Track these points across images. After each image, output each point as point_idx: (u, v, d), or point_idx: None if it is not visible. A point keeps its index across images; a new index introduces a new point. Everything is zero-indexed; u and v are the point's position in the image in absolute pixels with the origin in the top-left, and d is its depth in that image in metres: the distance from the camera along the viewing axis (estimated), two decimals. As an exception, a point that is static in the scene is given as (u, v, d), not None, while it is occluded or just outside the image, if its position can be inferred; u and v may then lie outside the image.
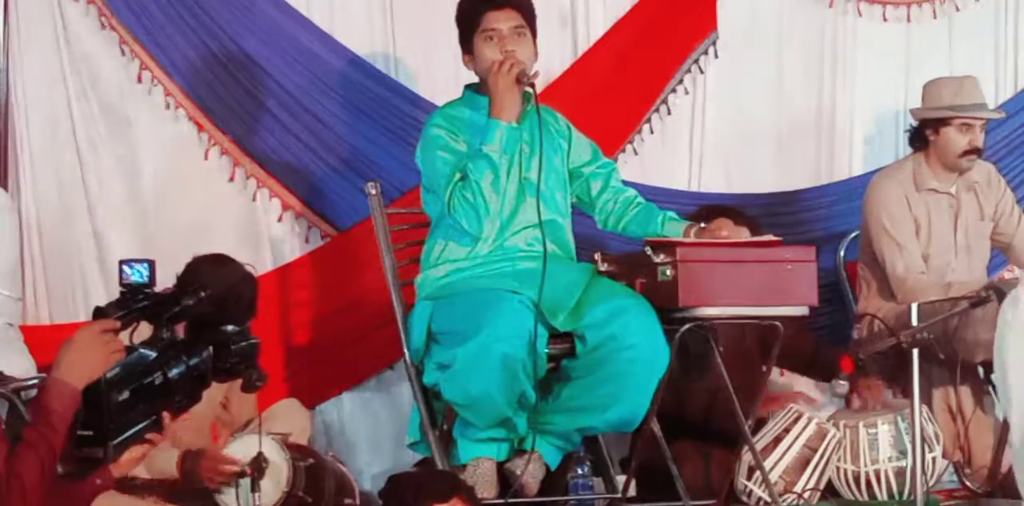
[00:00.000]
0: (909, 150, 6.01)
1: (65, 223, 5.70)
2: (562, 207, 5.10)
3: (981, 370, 5.72)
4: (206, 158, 5.84)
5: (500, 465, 4.94)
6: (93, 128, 5.73)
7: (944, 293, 5.48)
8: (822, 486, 5.31)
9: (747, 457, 5.17)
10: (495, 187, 4.86)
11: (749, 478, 5.24)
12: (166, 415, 3.16)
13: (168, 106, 5.80)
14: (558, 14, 6.13)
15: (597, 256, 5.01)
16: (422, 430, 5.03)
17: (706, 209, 5.70)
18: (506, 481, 4.92)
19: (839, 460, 5.37)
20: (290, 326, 5.82)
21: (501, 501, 4.84)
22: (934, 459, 5.35)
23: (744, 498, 5.27)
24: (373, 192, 5.19)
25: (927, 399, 5.54)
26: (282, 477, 4.65)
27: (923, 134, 5.87)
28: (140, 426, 3.11)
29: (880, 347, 5.07)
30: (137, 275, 3.15)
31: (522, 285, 4.74)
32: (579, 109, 5.73)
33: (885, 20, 6.61)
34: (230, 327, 3.27)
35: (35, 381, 4.77)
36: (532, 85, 4.95)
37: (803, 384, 6.16)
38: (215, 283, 3.33)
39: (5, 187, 5.55)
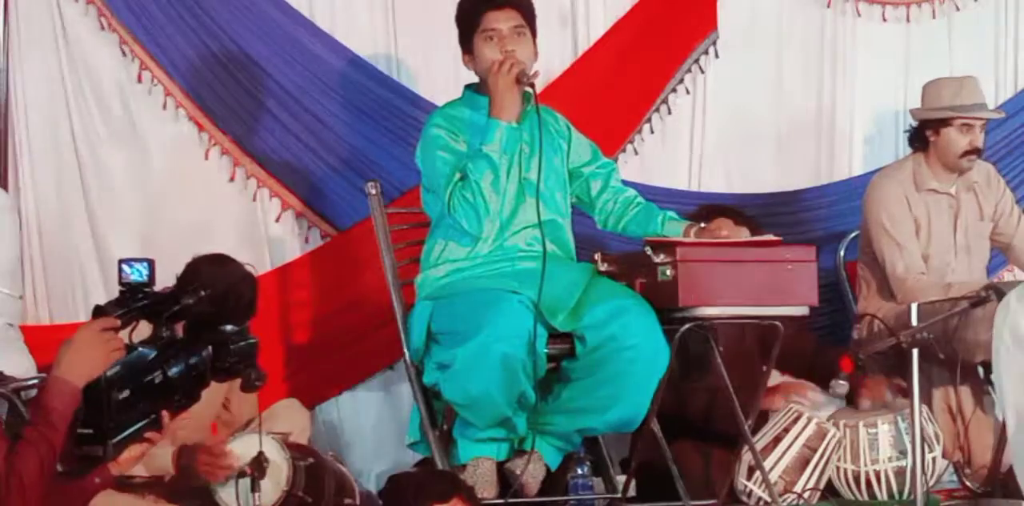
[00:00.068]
0: (909, 150, 6.01)
1: (65, 223, 5.71)
2: (562, 207, 5.10)
3: (981, 370, 5.72)
4: (206, 158, 5.84)
5: (500, 465, 4.93)
6: (93, 128, 5.74)
7: (944, 293, 5.48)
8: (822, 486, 5.31)
9: (747, 457, 5.17)
10: (495, 187, 4.86)
11: (749, 478, 5.24)
12: (165, 414, 3.17)
13: (168, 106, 5.80)
14: (558, 14, 6.13)
15: (597, 256, 5.01)
16: (422, 430, 5.03)
17: (706, 209, 5.70)
18: (506, 481, 4.92)
19: (839, 460, 5.37)
20: (290, 326, 5.82)
21: (501, 501, 4.84)
22: (934, 459, 5.34)
23: (744, 498, 5.27)
24: (373, 192, 5.20)
25: (927, 399, 5.54)
26: (282, 477, 4.65)
27: (923, 134, 5.87)
28: (140, 425, 3.11)
29: (880, 347, 5.07)
30: (137, 274, 3.16)
31: (522, 285, 4.74)
32: (579, 109, 5.74)
33: (884, 20, 6.61)
34: (229, 327, 3.27)
35: (35, 381, 4.76)
36: (532, 85, 4.95)
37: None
38: (215, 282, 3.34)
39: (5, 187, 5.55)
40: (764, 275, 4.80)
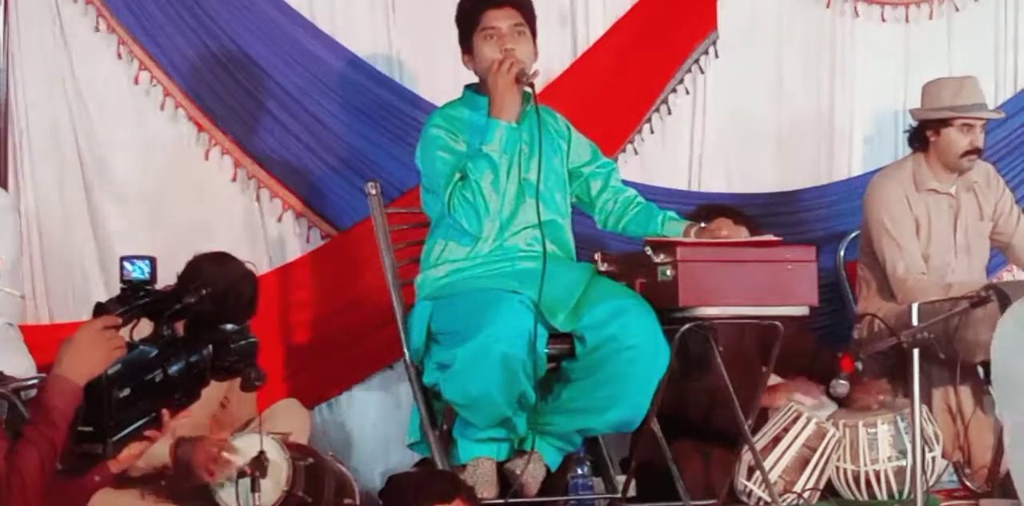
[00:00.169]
0: (908, 150, 6.02)
1: (65, 223, 5.71)
2: (562, 207, 5.10)
3: (981, 370, 5.72)
4: (206, 158, 5.84)
5: (500, 465, 4.93)
6: (93, 128, 5.73)
7: (944, 293, 5.48)
8: (822, 486, 5.31)
9: (747, 457, 5.17)
10: (495, 187, 4.86)
11: (749, 478, 5.24)
12: (165, 412, 3.16)
13: (168, 106, 5.79)
14: (558, 14, 6.13)
15: (597, 256, 5.01)
16: (422, 430, 5.03)
17: (705, 209, 5.70)
18: (506, 481, 4.92)
19: (839, 460, 5.38)
20: (290, 326, 5.82)
21: (501, 501, 4.84)
22: (934, 459, 5.35)
23: (744, 498, 5.27)
24: (373, 192, 5.20)
25: (927, 399, 5.54)
26: (282, 476, 4.65)
27: (923, 134, 5.87)
28: (140, 423, 3.11)
29: (880, 347, 5.07)
30: (138, 272, 3.16)
31: (522, 285, 4.74)
32: (579, 109, 5.74)
33: (884, 20, 6.61)
34: (230, 326, 3.27)
35: (35, 381, 4.75)
36: (532, 85, 4.95)
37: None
38: (216, 281, 3.34)
39: (5, 187, 5.55)
40: (764, 275, 4.80)
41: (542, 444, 4.92)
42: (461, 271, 4.95)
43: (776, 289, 4.81)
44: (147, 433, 3.15)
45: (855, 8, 6.55)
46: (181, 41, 5.77)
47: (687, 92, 6.34)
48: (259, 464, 4.53)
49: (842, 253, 6.26)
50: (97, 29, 5.72)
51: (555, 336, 4.76)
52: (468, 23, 5.06)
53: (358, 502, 5.06)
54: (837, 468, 5.38)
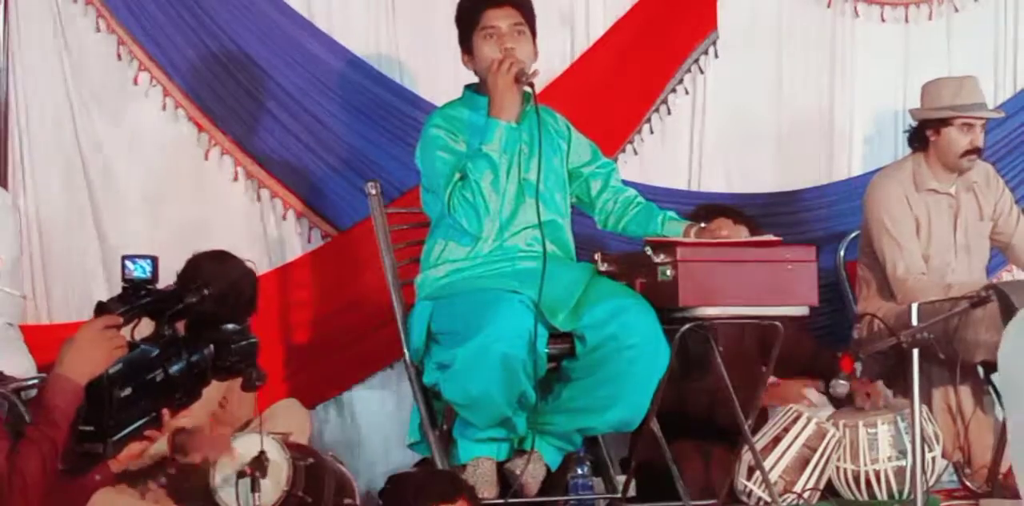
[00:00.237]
0: (908, 150, 6.02)
1: (65, 223, 5.70)
2: (562, 208, 5.10)
3: (981, 370, 5.73)
4: (206, 158, 5.84)
5: (500, 465, 4.93)
6: (92, 128, 5.73)
7: (944, 293, 5.49)
8: (822, 486, 5.31)
9: (747, 457, 5.17)
10: (495, 186, 4.86)
11: (749, 478, 5.24)
12: (166, 412, 3.16)
13: (167, 107, 5.79)
14: (558, 14, 6.13)
15: (597, 256, 5.00)
16: (422, 430, 5.02)
17: (705, 209, 5.70)
18: (506, 481, 4.92)
19: (839, 460, 5.37)
20: (290, 326, 5.82)
21: (501, 501, 4.84)
22: (934, 459, 5.35)
23: (744, 498, 5.27)
24: (373, 192, 5.19)
25: (927, 399, 5.54)
26: (282, 476, 4.65)
27: (923, 134, 5.88)
28: (140, 422, 3.11)
29: (880, 347, 5.08)
30: (140, 271, 3.16)
31: (522, 285, 4.73)
32: (579, 109, 5.74)
33: (883, 21, 6.61)
34: (230, 326, 3.27)
35: (35, 381, 4.75)
36: (531, 85, 4.94)
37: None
38: (217, 281, 3.34)
39: (5, 187, 5.55)
40: (764, 275, 4.80)
41: (542, 444, 4.92)
42: (461, 271, 4.95)
43: (776, 289, 4.80)
44: (147, 433, 3.15)
45: (855, 8, 6.56)
46: (181, 41, 5.77)
47: (687, 92, 6.34)
48: (259, 464, 4.53)
49: (842, 253, 6.26)
50: (97, 29, 5.72)
51: (555, 336, 4.76)
52: (468, 23, 5.06)
53: (358, 502, 5.07)
54: (837, 468, 5.38)
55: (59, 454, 2.98)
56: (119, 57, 5.75)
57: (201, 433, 4.62)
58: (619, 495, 5.14)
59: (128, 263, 3.15)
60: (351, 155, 5.90)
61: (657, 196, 5.72)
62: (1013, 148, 6.58)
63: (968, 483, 5.71)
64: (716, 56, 6.36)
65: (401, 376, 5.73)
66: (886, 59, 6.60)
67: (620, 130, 6.21)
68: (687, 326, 4.79)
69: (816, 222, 6.38)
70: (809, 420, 5.33)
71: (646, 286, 4.83)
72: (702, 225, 5.05)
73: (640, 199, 5.21)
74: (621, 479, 5.19)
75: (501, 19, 5.00)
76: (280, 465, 4.65)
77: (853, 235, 6.17)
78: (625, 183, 5.31)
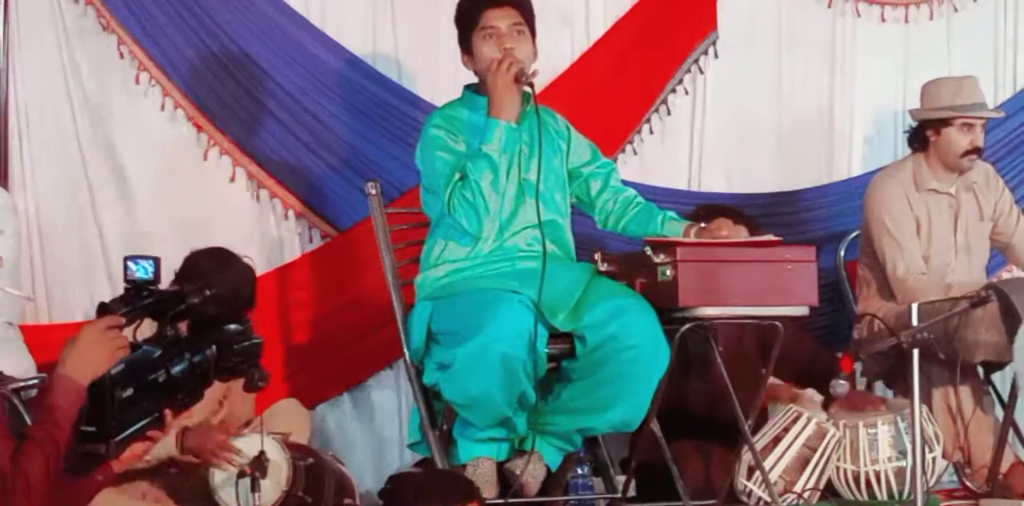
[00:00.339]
0: (908, 150, 6.02)
1: (65, 223, 5.70)
2: (562, 208, 5.10)
3: (981, 370, 5.73)
4: (205, 159, 5.84)
5: (500, 465, 4.93)
6: (93, 128, 5.73)
7: (944, 293, 5.48)
8: (822, 486, 5.30)
9: (747, 457, 5.17)
10: (495, 186, 4.86)
11: (749, 478, 5.24)
12: (168, 413, 3.16)
13: (167, 107, 5.79)
14: (558, 14, 6.13)
15: (597, 256, 5.01)
16: (422, 430, 5.03)
17: (705, 209, 5.70)
18: (506, 481, 4.92)
19: (839, 460, 5.37)
20: (290, 326, 5.82)
21: (501, 501, 4.84)
22: (934, 459, 5.34)
23: (744, 498, 5.27)
24: (373, 192, 5.20)
25: (927, 399, 5.54)
26: (282, 476, 4.65)
27: (923, 134, 5.88)
28: (142, 423, 3.10)
29: (880, 347, 5.08)
30: (142, 271, 3.15)
31: (522, 285, 4.74)
32: (579, 109, 5.75)
33: (884, 21, 6.62)
34: (233, 326, 3.27)
35: (35, 381, 4.75)
36: (531, 85, 4.94)
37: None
38: (220, 281, 3.34)
39: (5, 187, 5.54)
40: (764, 275, 4.80)
41: (542, 444, 4.92)
42: (461, 271, 4.95)
43: (776, 289, 4.81)
44: (150, 433, 3.14)
45: (856, 8, 6.56)
46: (181, 41, 5.77)
47: (687, 92, 6.35)
48: (259, 464, 4.53)
49: (842, 253, 6.26)
50: (97, 29, 5.72)
51: (555, 336, 4.76)
52: (467, 23, 5.06)
53: (358, 502, 5.07)
54: (837, 468, 5.38)
55: (62, 455, 2.98)
56: (120, 57, 5.74)
57: (210, 431, 4.62)
58: (619, 495, 5.15)
59: (130, 264, 3.15)
60: (351, 155, 5.90)
61: (657, 196, 5.72)
62: (1013, 148, 6.58)
63: (968, 483, 5.71)
64: (716, 56, 6.36)
65: (401, 376, 5.74)
66: (886, 59, 6.60)
67: (620, 130, 6.21)
68: (687, 326, 4.79)
69: (816, 222, 6.38)
70: (809, 420, 5.32)
71: (646, 286, 4.83)
72: (702, 225, 5.05)
73: (640, 199, 5.21)
74: (621, 479, 5.19)
75: (501, 19, 5.01)
76: (280, 465, 4.64)
77: (853, 235, 6.17)
78: (625, 183, 5.31)
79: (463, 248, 4.96)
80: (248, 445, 4.60)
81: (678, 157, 6.37)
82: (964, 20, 6.65)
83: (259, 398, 5.09)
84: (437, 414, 5.01)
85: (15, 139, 5.65)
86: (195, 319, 3.24)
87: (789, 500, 5.21)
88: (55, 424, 2.97)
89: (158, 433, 3.16)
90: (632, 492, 5.16)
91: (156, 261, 3.17)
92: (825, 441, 5.31)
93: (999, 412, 5.70)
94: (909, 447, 5.07)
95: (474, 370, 4.66)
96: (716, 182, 6.38)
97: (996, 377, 5.84)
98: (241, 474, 4.55)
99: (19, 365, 4.98)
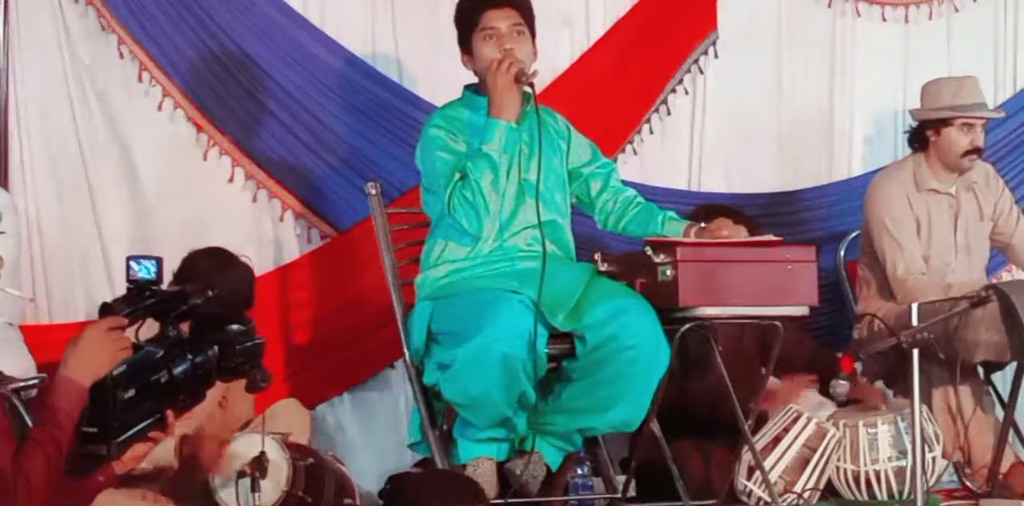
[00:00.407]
0: (908, 150, 6.02)
1: (65, 223, 5.70)
2: (562, 208, 5.10)
3: (981, 370, 5.73)
4: (205, 159, 5.84)
5: (500, 465, 4.93)
6: (93, 128, 5.73)
7: (944, 294, 5.49)
8: (822, 486, 5.31)
9: (747, 457, 5.17)
10: (495, 186, 4.86)
11: (749, 478, 5.24)
12: (170, 413, 3.15)
13: (167, 107, 5.79)
14: (558, 14, 6.13)
15: (597, 256, 5.01)
16: (422, 430, 5.03)
17: (705, 209, 5.70)
18: (506, 481, 4.92)
19: (839, 460, 5.37)
20: (290, 326, 5.82)
21: (501, 501, 4.84)
22: (934, 459, 5.35)
23: (744, 498, 5.27)
24: (373, 192, 5.19)
25: (927, 399, 5.54)
26: (282, 477, 4.65)
27: (923, 134, 5.88)
28: (144, 424, 3.10)
29: (880, 347, 5.07)
30: (145, 271, 3.15)
31: (522, 285, 4.74)
32: (579, 109, 5.75)
33: (884, 20, 6.62)
34: (235, 326, 3.26)
35: (35, 381, 4.75)
36: (531, 85, 4.94)
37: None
38: (220, 281, 3.33)
39: (6, 187, 5.54)
40: (764, 275, 4.81)
41: (542, 444, 4.92)
42: (461, 271, 4.95)
43: (776, 289, 4.82)
44: (151, 434, 3.14)
45: (856, 8, 6.56)
46: (181, 41, 5.76)
47: (687, 92, 6.35)
48: (259, 464, 4.53)
49: (842, 253, 6.26)
50: (97, 29, 5.71)
51: (555, 336, 4.76)
52: (467, 23, 5.06)
53: (358, 502, 5.06)
54: (837, 468, 5.38)
55: (63, 456, 2.97)
56: (120, 57, 5.74)
57: (207, 441, 4.62)
58: (619, 495, 5.15)
59: (133, 264, 3.14)
60: (351, 155, 5.90)
61: (657, 196, 5.72)
62: (1013, 148, 6.59)
63: (968, 483, 5.71)
64: (716, 56, 6.37)
65: (401, 376, 5.73)
66: (886, 59, 6.61)
67: (620, 130, 6.21)
68: (687, 326, 4.80)
69: (816, 222, 6.39)
70: (809, 420, 5.33)
71: (646, 286, 4.83)
72: (702, 225, 5.05)
73: (640, 199, 5.21)
74: (621, 479, 5.19)
75: (500, 20, 5.01)
76: (280, 465, 4.64)
77: (853, 235, 6.18)
78: (625, 183, 5.31)
79: (463, 248, 4.96)
80: (248, 445, 4.60)
81: (678, 157, 6.38)
82: (964, 20, 6.66)
83: (259, 398, 5.09)
84: (437, 414, 5.01)
85: (15, 139, 5.64)
86: (197, 319, 3.24)
87: (789, 500, 5.21)
88: (57, 425, 2.96)
89: (160, 434, 3.16)
90: (632, 492, 5.16)
91: (159, 261, 3.16)
92: (825, 441, 5.31)
93: (999, 412, 5.70)
94: (909, 447, 5.07)
95: (474, 370, 4.66)
96: (716, 182, 6.39)
97: (996, 377, 5.84)
98: (241, 474, 4.55)
99: (19, 365, 4.97)
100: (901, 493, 5.31)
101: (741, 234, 5.33)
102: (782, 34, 6.50)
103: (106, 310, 3.08)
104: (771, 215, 6.18)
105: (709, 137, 6.39)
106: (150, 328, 3.20)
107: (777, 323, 4.90)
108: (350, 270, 5.81)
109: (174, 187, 5.82)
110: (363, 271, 5.73)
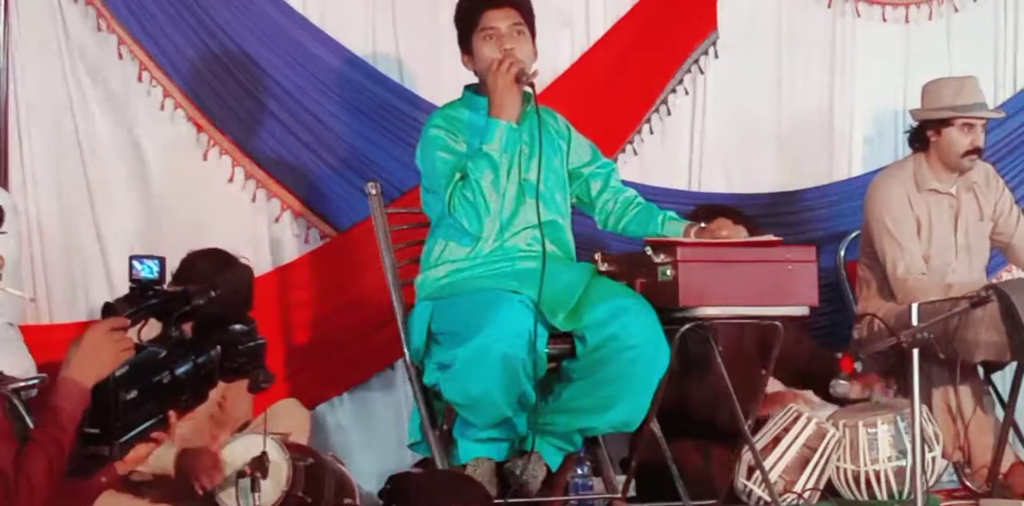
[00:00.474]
0: (908, 150, 6.02)
1: (65, 223, 5.69)
2: (562, 208, 5.10)
3: (981, 370, 5.73)
4: (205, 159, 5.84)
5: (500, 465, 4.93)
6: (93, 128, 5.72)
7: (944, 294, 5.49)
8: (822, 486, 5.31)
9: (747, 457, 5.17)
10: (495, 186, 4.86)
11: (749, 478, 5.24)
12: (172, 414, 3.15)
13: (167, 107, 5.79)
14: (558, 14, 6.13)
15: (597, 256, 5.01)
16: (422, 430, 5.03)
17: (705, 209, 5.70)
18: (506, 481, 4.91)
19: (839, 460, 5.37)
20: (290, 326, 5.82)
21: (501, 501, 4.84)
22: (934, 459, 5.35)
23: (744, 498, 5.27)
24: (373, 192, 5.19)
25: (927, 399, 5.55)
26: (282, 477, 4.66)
27: (924, 134, 5.88)
28: (146, 425, 3.09)
29: (880, 347, 5.07)
30: (147, 271, 3.15)
31: (522, 285, 4.74)
32: (579, 109, 5.75)
33: (884, 20, 6.62)
34: (238, 327, 3.26)
35: (35, 381, 4.75)
36: (532, 85, 4.94)
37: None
38: (222, 282, 3.33)
39: (6, 187, 5.54)
40: (764, 275, 4.81)
41: (542, 444, 4.91)
42: (461, 271, 4.95)
43: (776, 289, 4.82)
44: (154, 435, 3.13)
45: (856, 8, 6.56)
46: (181, 41, 5.76)
47: (687, 92, 6.36)
48: (259, 464, 4.53)
49: (842, 253, 6.27)
50: (97, 29, 5.71)
51: (555, 336, 4.76)
52: (467, 23, 5.06)
53: (358, 502, 5.06)
54: (837, 468, 5.38)
55: (65, 456, 2.97)
56: (120, 57, 5.74)
57: (203, 455, 4.62)
58: (619, 495, 5.15)
59: (135, 263, 3.14)
60: (351, 155, 5.90)
61: (657, 196, 5.72)
62: (1013, 148, 6.60)
63: (968, 483, 5.72)
64: (716, 56, 6.37)
65: (401, 376, 5.73)
66: (886, 59, 6.61)
67: (620, 130, 6.22)
68: (687, 326, 4.80)
69: (816, 222, 6.39)
70: (809, 420, 5.33)
71: (646, 286, 4.83)
72: (702, 225, 5.05)
73: (640, 199, 5.21)
74: (621, 479, 5.19)
75: (500, 20, 5.01)
76: (280, 465, 4.65)
77: (853, 235, 6.18)
78: (625, 183, 5.32)
79: (463, 248, 4.96)
80: (248, 445, 4.60)
81: (678, 157, 6.38)
82: (964, 20, 6.66)
83: (259, 398, 5.08)
84: (437, 414, 5.01)
85: (15, 139, 5.64)
86: (200, 320, 3.24)
87: (789, 500, 5.21)
88: (58, 426, 2.96)
89: (162, 435, 3.16)
90: (632, 492, 5.16)
91: (161, 261, 3.16)
92: (825, 441, 5.31)
93: (999, 412, 5.71)
94: (909, 447, 5.06)
95: (474, 370, 4.66)
96: (716, 182, 6.39)
97: (996, 377, 5.84)
98: (241, 474, 4.56)
99: (19, 365, 4.97)
100: (901, 493, 5.31)
101: (741, 234, 5.33)
102: (782, 34, 6.50)
103: (109, 310, 3.08)
104: (771, 215, 6.19)
105: (709, 137, 6.39)
106: (152, 328, 3.21)
107: (777, 323, 4.91)
108: (350, 270, 5.81)
109: (174, 187, 5.82)
110: (363, 271, 5.73)
